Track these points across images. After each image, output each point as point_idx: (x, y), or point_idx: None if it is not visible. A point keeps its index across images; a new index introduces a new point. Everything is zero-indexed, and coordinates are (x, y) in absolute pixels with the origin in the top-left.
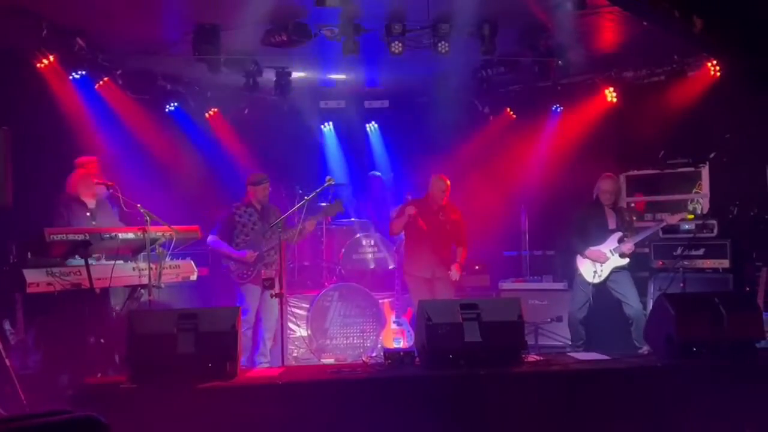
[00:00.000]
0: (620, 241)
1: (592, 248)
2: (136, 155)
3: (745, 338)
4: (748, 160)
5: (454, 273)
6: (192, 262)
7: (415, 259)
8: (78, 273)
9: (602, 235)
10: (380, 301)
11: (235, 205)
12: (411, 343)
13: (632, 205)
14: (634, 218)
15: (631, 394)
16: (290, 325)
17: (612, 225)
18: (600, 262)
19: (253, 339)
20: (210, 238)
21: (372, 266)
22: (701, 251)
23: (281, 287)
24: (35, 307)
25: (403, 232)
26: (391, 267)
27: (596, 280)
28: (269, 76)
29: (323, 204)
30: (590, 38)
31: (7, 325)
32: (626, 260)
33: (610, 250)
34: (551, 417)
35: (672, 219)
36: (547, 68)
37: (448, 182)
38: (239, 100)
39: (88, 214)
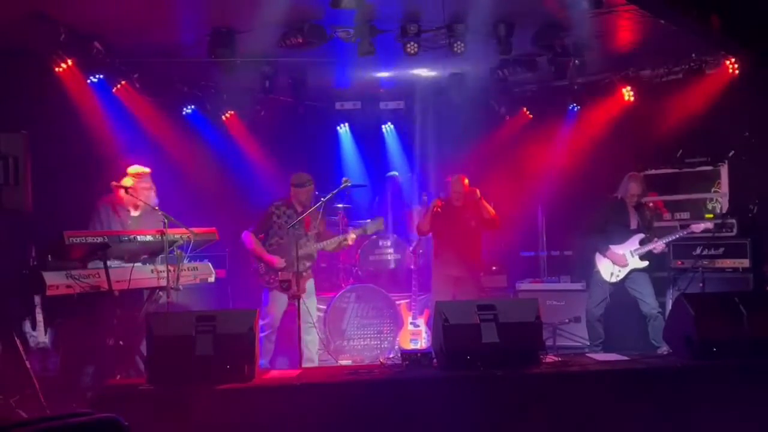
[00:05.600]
0: (642, 242)
1: (614, 249)
2: (153, 158)
3: (766, 338)
4: None
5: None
6: (209, 264)
7: (443, 258)
8: (97, 275)
9: (624, 234)
10: (397, 302)
11: (275, 204)
12: (428, 344)
13: (650, 204)
14: (654, 218)
15: (650, 395)
16: None
17: (633, 225)
18: (620, 266)
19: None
20: (245, 233)
21: (389, 267)
22: (721, 251)
23: (297, 289)
24: (55, 310)
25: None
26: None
27: (613, 280)
28: (285, 78)
29: (367, 221)
30: (607, 37)
31: (27, 328)
32: (645, 263)
33: (630, 251)
34: (570, 418)
35: (698, 228)
36: (563, 67)
37: (466, 180)
38: (255, 103)
39: (129, 222)
